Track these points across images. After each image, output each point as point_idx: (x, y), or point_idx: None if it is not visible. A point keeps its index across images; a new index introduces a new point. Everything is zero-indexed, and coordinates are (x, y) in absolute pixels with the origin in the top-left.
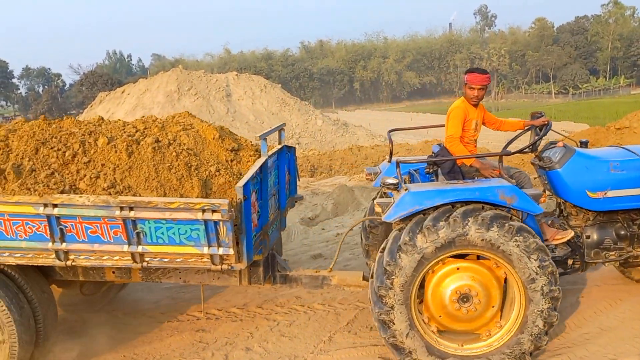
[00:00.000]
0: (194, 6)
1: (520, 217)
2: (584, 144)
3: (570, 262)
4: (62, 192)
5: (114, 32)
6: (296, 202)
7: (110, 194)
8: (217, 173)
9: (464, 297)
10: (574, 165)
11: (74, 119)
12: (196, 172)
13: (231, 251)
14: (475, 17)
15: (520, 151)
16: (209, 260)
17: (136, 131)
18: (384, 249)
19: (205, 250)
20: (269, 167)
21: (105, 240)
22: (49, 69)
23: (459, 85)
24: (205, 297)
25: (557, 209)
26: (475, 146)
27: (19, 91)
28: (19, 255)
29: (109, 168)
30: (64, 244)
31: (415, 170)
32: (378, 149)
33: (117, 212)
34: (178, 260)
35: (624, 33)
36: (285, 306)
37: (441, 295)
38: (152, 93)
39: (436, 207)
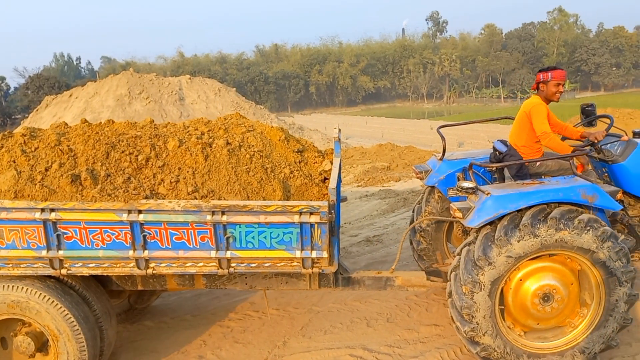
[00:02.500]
0: (147, 10)
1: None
2: (638, 134)
3: (637, 256)
4: (145, 197)
5: (62, 35)
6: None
7: (195, 198)
8: (292, 175)
9: (545, 297)
10: (638, 157)
11: (128, 122)
12: (273, 174)
13: (325, 254)
14: (428, 23)
15: (588, 145)
16: (300, 264)
17: (202, 134)
18: (457, 265)
19: (298, 254)
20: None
21: (191, 246)
22: None
23: (412, 90)
24: (156, 305)
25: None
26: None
27: None
28: (93, 265)
29: (187, 172)
30: (146, 251)
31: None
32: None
33: (209, 217)
34: (266, 265)
35: (568, 39)
36: (239, 312)
37: (522, 299)
38: (102, 97)
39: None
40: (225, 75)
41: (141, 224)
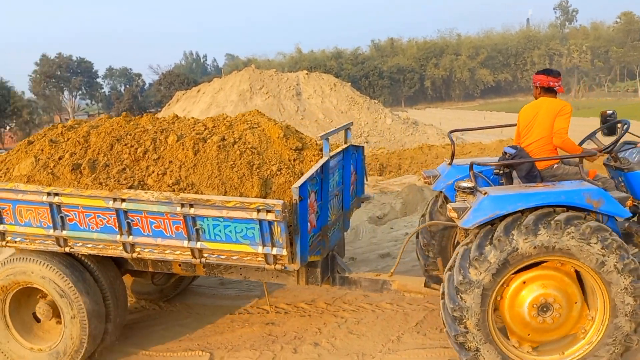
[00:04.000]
0: (267, 8)
1: (601, 219)
2: None
3: None
4: (130, 187)
5: (191, 34)
6: (363, 202)
7: (174, 190)
8: (279, 172)
9: (543, 307)
10: None
11: (151, 116)
12: (257, 170)
13: (284, 252)
14: (555, 12)
15: (603, 150)
16: (263, 259)
17: (205, 129)
18: (452, 265)
19: (260, 249)
20: (331, 168)
21: (168, 235)
22: (131, 69)
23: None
24: (274, 291)
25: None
26: None
27: (102, 90)
28: (90, 245)
29: (176, 165)
30: (131, 236)
31: (479, 173)
32: (449, 147)
33: (179, 209)
34: (234, 257)
35: None
36: (352, 304)
37: (520, 314)
38: (226, 92)
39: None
40: (341, 70)
41: (125, 212)
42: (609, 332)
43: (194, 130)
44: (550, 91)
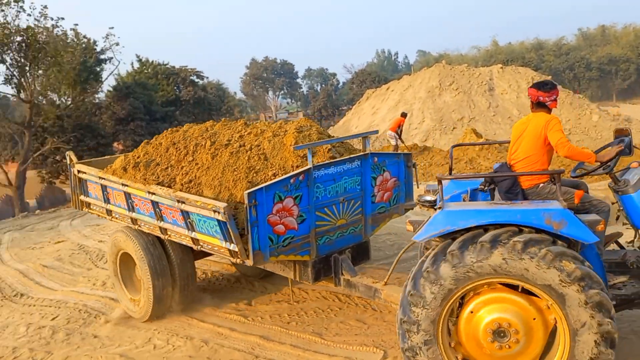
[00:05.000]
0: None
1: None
2: None
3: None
4: (160, 183)
5: (384, 33)
6: (408, 209)
7: (187, 188)
8: (273, 177)
9: (498, 333)
10: None
11: (225, 120)
12: (254, 175)
13: (236, 247)
14: None
15: (590, 172)
16: (228, 252)
17: (240, 136)
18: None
19: (224, 243)
20: (330, 175)
21: (179, 224)
22: (327, 69)
23: None
24: None
25: (636, 240)
26: None
27: (301, 90)
28: (147, 227)
29: (197, 167)
30: (162, 222)
31: (477, 189)
32: None
33: (176, 204)
34: (216, 249)
35: None
36: None
37: (474, 334)
38: (415, 89)
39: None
40: (541, 63)
41: (155, 202)
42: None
43: (232, 136)
44: (541, 106)
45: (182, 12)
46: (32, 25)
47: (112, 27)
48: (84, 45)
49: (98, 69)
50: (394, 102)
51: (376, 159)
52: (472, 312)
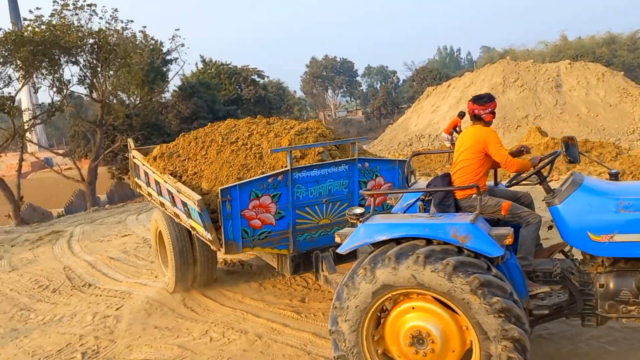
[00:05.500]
0: None
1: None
2: (614, 176)
3: (565, 312)
4: (173, 173)
5: (447, 29)
6: None
7: (192, 178)
8: (261, 174)
9: (417, 340)
10: (575, 201)
11: (248, 120)
12: (246, 172)
13: (209, 235)
14: None
15: (521, 180)
16: (209, 240)
17: (250, 135)
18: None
19: (204, 232)
20: (304, 178)
21: (182, 211)
22: (387, 66)
23: None
24: None
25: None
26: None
27: (360, 88)
28: (167, 210)
29: (204, 160)
30: (175, 208)
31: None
32: None
33: (175, 192)
34: (202, 236)
35: None
36: None
37: (399, 328)
38: (477, 86)
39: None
40: (613, 58)
41: (169, 190)
42: None
43: (242, 133)
44: (478, 119)
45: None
46: (104, 28)
47: (178, 29)
48: (151, 47)
49: (164, 70)
50: (454, 99)
51: (367, 164)
52: (399, 314)
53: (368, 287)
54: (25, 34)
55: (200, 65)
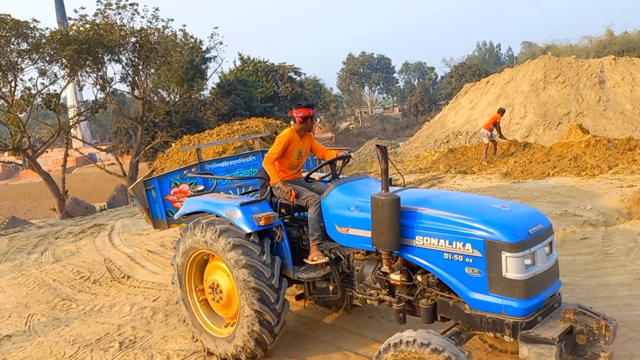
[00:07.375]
0: None
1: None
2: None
3: (330, 287)
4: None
5: (486, 24)
6: None
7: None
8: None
9: (215, 288)
10: (331, 198)
11: (261, 119)
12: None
13: (144, 216)
14: None
15: (311, 172)
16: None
17: (232, 133)
18: None
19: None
20: (215, 169)
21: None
22: (424, 63)
23: None
24: None
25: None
26: (299, 171)
27: (397, 84)
28: None
29: (167, 158)
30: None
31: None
32: None
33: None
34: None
35: None
36: None
37: (207, 280)
38: (517, 82)
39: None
40: None
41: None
42: (239, 336)
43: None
44: (293, 120)
45: (285, 11)
46: (145, 27)
47: (217, 27)
48: (191, 45)
49: (203, 67)
50: (494, 96)
51: None
52: (209, 269)
53: (183, 247)
54: (70, 33)
55: (238, 63)
